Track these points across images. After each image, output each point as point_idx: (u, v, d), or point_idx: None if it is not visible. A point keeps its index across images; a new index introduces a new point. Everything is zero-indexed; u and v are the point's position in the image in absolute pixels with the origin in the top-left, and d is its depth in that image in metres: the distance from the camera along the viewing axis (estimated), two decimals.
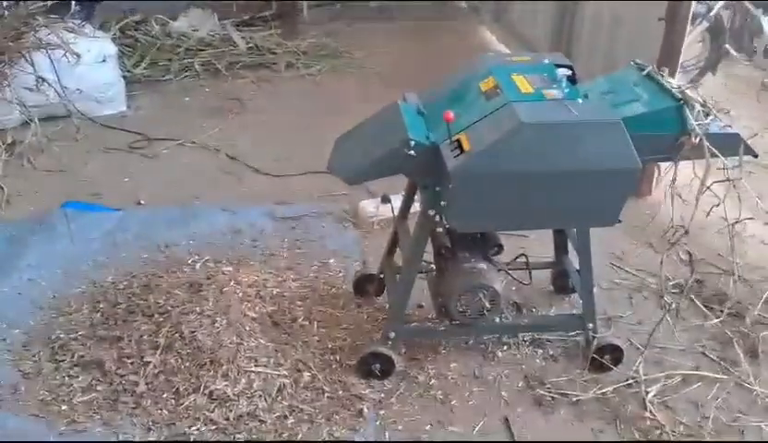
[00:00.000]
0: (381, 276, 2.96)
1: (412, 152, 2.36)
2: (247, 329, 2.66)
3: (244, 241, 3.38)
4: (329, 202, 3.71)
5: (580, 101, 2.37)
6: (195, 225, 3.46)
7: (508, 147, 2.25)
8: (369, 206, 3.62)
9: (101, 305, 2.88)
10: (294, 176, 3.95)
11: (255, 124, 4.59)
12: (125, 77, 4.78)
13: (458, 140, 2.31)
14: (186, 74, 5.21)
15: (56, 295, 2.98)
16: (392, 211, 3.44)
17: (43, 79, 4.17)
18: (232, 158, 4.15)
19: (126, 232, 3.41)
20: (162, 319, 2.68)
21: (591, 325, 2.67)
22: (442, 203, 2.38)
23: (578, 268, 2.65)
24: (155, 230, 3.42)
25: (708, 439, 2.46)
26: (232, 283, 2.88)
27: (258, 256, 3.26)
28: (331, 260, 3.26)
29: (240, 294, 2.82)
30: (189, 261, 3.16)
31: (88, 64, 4.42)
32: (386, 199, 3.54)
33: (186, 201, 3.69)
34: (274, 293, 2.94)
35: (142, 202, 3.71)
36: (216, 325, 2.62)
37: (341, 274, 3.17)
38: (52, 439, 2.33)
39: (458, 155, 2.27)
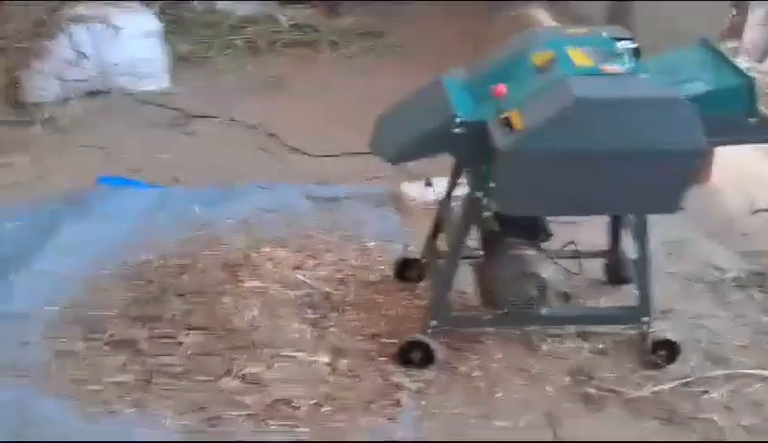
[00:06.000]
0: (423, 261, 2.84)
1: (458, 130, 2.23)
2: (283, 312, 2.58)
3: (281, 222, 3.28)
4: (369, 184, 3.59)
5: (642, 76, 2.21)
6: (232, 204, 3.38)
7: (562, 124, 2.10)
8: (411, 189, 3.49)
9: (135, 284, 2.81)
10: (334, 157, 3.84)
11: (294, 102, 4.49)
12: (166, 52, 4.71)
13: (508, 117, 2.17)
14: (228, 51, 5.14)
15: (91, 273, 2.92)
16: (436, 195, 3.32)
17: (83, 53, 4.13)
18: (271, 135, 4.07)
19: (163, 210, 3.34)
20: (196, 300, 2.61)
21: (647, 318, 2.51)
22: (490, 185, 2.24)
23: (633, 257, 2.49)
24: (192, 208, 3.34)
25: None
26: (269, 265, 2.80)
27: (296, 237, 3.16)
28: (371, 244, 3.15)
29: (277, 276, 2.74)
30: (226, 241, 3.08)
31: (129, 38, 4.37)
32: (428, 183, 3.41)
33: (224, 179, 3.60)
34: (312, 276, 2.85)
35: (180, 180, 3.64)
36: (252, 307, 2.55)
37: (381, 258, 3.05)
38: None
39: (508, 133, 2.13)
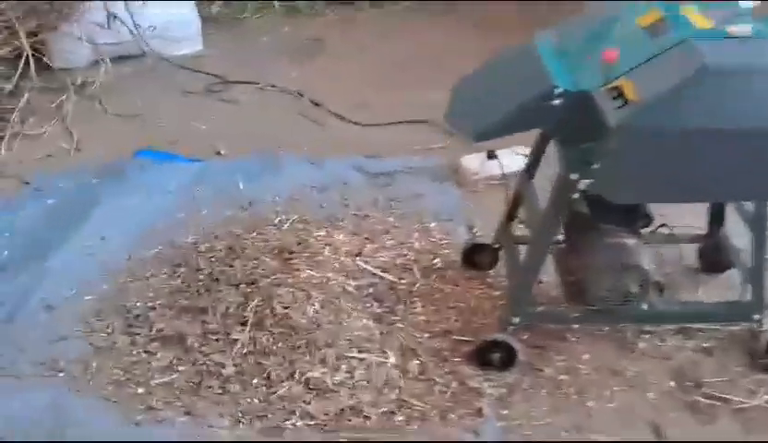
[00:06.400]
0: (495, 246, 2.55)
1: (557, 102, 1.92)
2: (347, 306, 2.31)
3: (333, 199, 3.00)
4: (425, 156, 3.29)
5: None
6: (279, 179, 3.11)
7: (687, 96, 1.79)
8: (473, 162, 3.18)
9: (181, 270, 2.56)
10: (383, 126, 3.53)
11: (336, 66, 4.19)
12: (200, 14, 4.41)
13: (619, 87, 1.85)
14: (264, 12, 4.82)
15: (131, 257, 2.66)
16: (501, 168, 3.02)
17: (115, 16, 3.86)
18: (316, 104, 3.77)
19: (206, 185, 3.08)
20: (249, 290, 2.35)
21: (758, 316, 2.21)
22: (593, 166, 1.93)
23: (741, 245, 2.19)
24: (236, 184, 3.07)
25: None
26: (326, 251, 2.52)
27: (351, 217, 2.88)
28: (432, 224, 2.86)
29: (337, 265, 2.47)
30: (276, 221, 2.81)
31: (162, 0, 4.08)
32: (492, 155, 3.11)
33: (268, 151, 3.32)
34: (372, 262, 2.57)
35: (222, 152, 3.37)
36: (311, 301, 2.28)
37: (444, 241, 2.77)
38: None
39: (621, 106, 1.82)
